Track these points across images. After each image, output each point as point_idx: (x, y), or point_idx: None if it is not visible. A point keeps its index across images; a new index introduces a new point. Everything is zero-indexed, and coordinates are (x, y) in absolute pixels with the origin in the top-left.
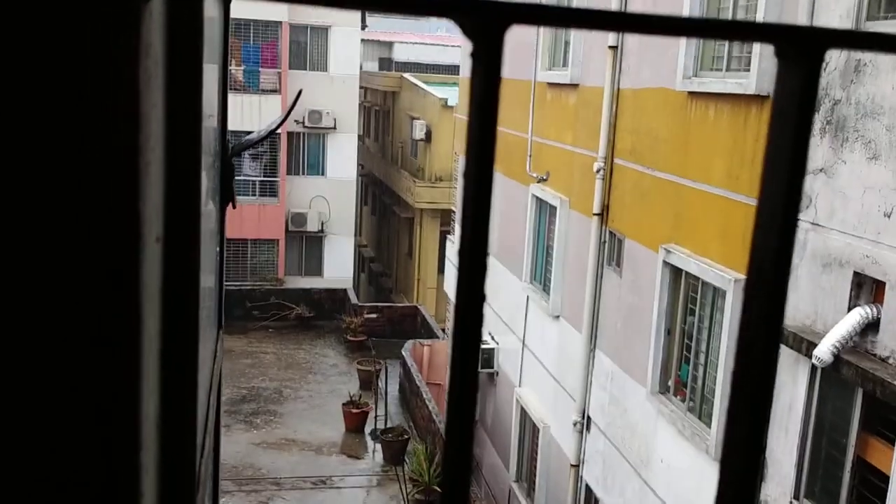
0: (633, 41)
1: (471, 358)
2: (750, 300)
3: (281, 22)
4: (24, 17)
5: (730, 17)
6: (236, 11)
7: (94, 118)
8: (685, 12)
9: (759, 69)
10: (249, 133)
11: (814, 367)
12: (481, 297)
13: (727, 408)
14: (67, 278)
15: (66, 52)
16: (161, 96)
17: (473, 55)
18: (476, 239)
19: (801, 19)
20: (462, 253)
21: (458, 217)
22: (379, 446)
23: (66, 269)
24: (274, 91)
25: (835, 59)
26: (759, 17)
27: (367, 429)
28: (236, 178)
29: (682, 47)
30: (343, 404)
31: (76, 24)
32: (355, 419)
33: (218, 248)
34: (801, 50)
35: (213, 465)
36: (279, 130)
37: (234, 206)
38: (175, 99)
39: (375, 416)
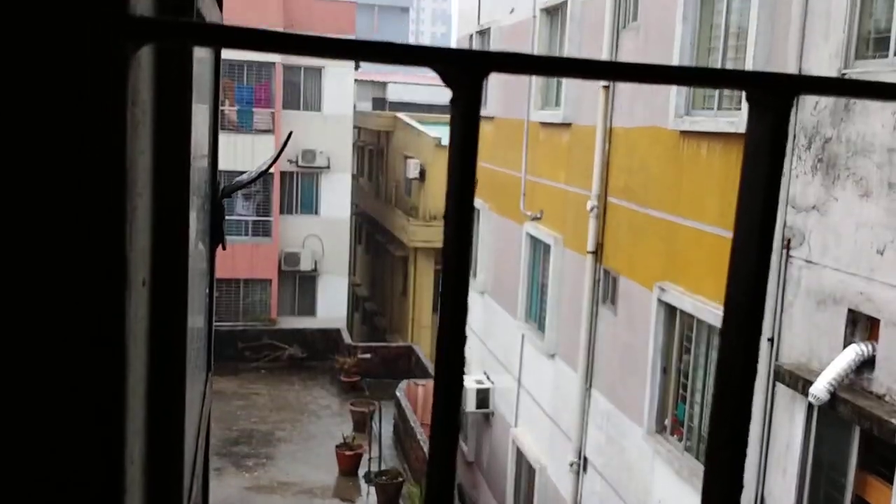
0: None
1: (453, 403)
2: (725, 343)
3: (274, 63)
4: (13, 63)
5: (720, 54)
6: (229, 53)
7: (80, 164)
8: (675, 52)
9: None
10: (243, 173)
11: (810, 406)
12: (462, 336)
13: (708, 435)
14: (53, 320)
15: (54, 100)
16: (149, 142)
17: (452, 102)
18: (457, 282)
19: (791, 58)
20: (444, 297)
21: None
22: (373, 489)
23: (52, 310)
24: (268, 131)
25: (824, 97)
26: (749, 55)
27: (361, 471)
28: (229, 217)
29: (674, 86)
30: (336, 446)
31: (64, 73)
32: (349, 462)
33: (207, 290)
34: (771, 96)
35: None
36: (272, 170)
37: (223, 248)
38: (163, 144)
39: (369, 459)
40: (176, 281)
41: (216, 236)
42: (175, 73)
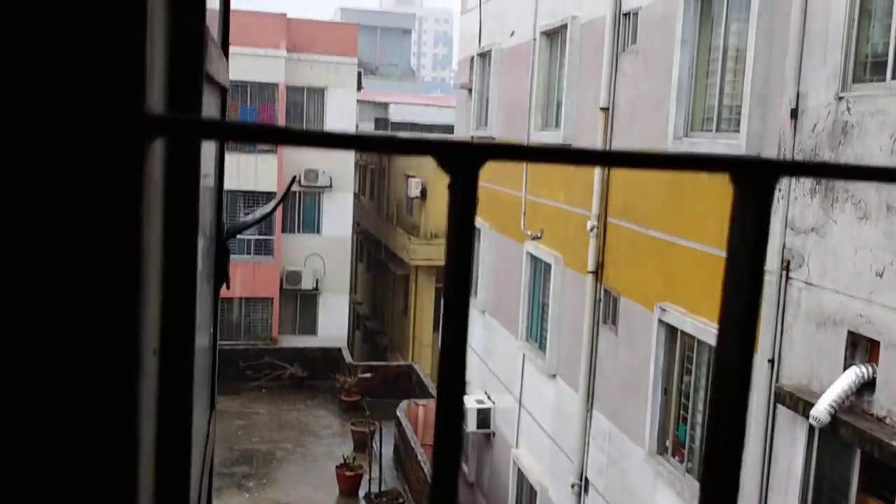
0: (624, 102)
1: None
2: (714, 414)
3: (278, 84)
4: (34, 152)
5: (718, 77)
6: (233, 74)
7: (96, 249)
8: (674, 75)
9: (748, 130)
10: (247, 192)
11: (811, 428)
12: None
13: (703, 454)
14: (67, 397)
15: (71, 193)
16: (160, 218)
17: (450, 187)
18: (454, 362)
19: (789, 81)
20: (440, 377)
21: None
22: None
23: (68, 389)
24: (270, 151)
25: (822, 120)
26: (748, 78)
27: (362, 492)
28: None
29: (673, 108)
30: (337, 467)
31: (82, 168)
32: (349, 482)
33: (212, 330)
34: (754, 179)
35: None
36: (274, 189)
37: (227, 287)
38: (173, 216)
39: (370, 479)
40: (185, 344)
41: (220, 277)
42: (185, 163)
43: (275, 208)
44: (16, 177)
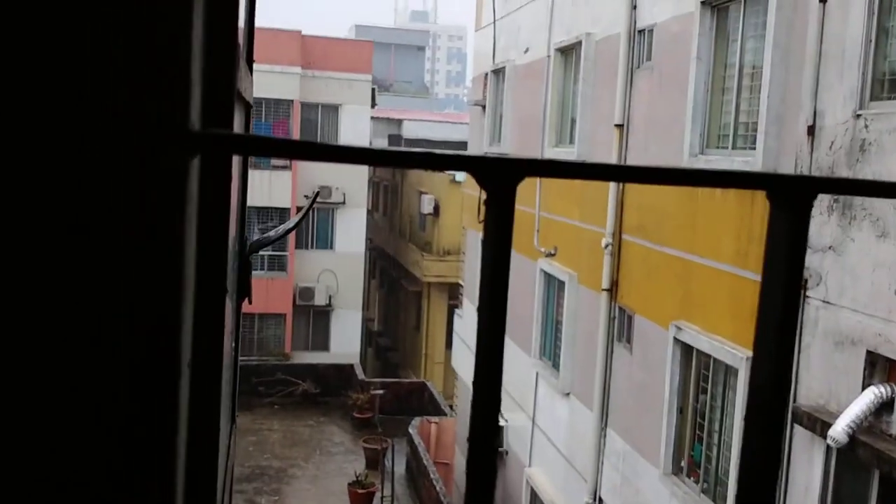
0: (639, 119)
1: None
2: (746, 447)
3: (292, 100)
4: (85, 169)
5: (734, 94)
6: None
7: (140, 265)
8: (690, 92)
9: (764, 147)
10: (261, 208)
11: (829, 448)
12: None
13: (737, 478)
14: (110, 407)
15: (118, 209)
16: (194, 235)
17: (487, 203)
18: (491, 372)
19: (805, 98)
20: (475, 394)
21: (464, 299)
22: None
23: (111, 401)
24: (285, 168)
25: (839, 136)
26: (764, 95)
27: None
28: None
29: (688, 125)
30: (349, 484)
31: (129, 183)
32: (361, 500)
33: (234, 344)
34: (791, 196)
35: None
36: (288, 205)
37: (250, 302)
38: (204, 235)
39: (382, 497)
40: (214, 358)
41: (243, 291)
42: (218, 177)
43: (298, 223)
44: (63, 194)
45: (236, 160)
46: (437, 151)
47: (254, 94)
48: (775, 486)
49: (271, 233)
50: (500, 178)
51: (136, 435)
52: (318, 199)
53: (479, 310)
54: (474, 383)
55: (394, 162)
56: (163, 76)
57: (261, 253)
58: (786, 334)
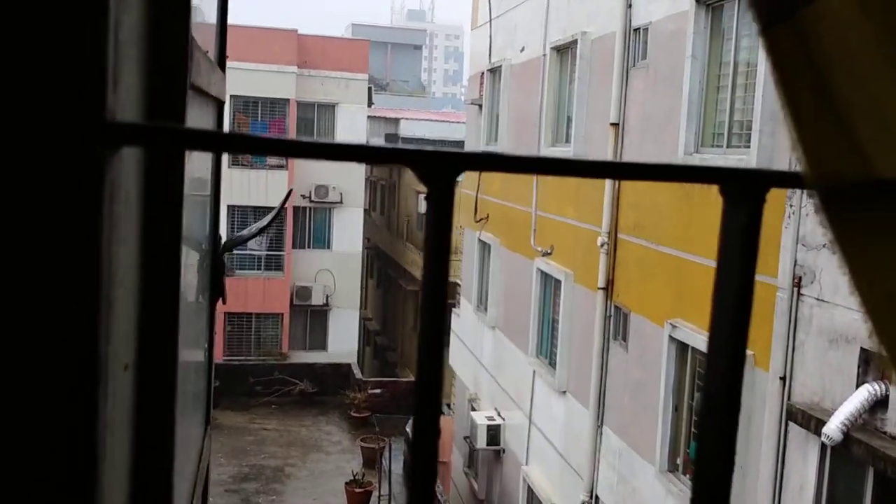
0: (634, 118)
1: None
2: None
3: (289, 99)
4: None
5: (729, 92)
6: (244, 89)
7: (53, 265)
8: (685, 90)
9: (759, 145)
10: (257, 208)
11: (824, 446)
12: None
13: (694, 471)
14: (21, 418)
15: (29, 203)
16: (135, 227)
17: (427, 198)
18: (430, 370)
19: None
20: (418, 390)
21: (461, 298)
22: None
23: (25, 395)
24: (280, 167)
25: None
26: (759, 93)
27: None
28: (242, 252)
29: (683, 123)
30: (346, 483)
31: (41, 177)
32: (359, 499)
33: (207, 345)
34: (744, 190)
35: None
36: (285, 205)
37: (223, 302)
38: (153, 226)
39: (379, 496)
40: (165, 360)
41: (216, 291)
42: (167, 161)
43: (271, 222)
44: None
45: (200, 156)
46: (372, 144)
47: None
48: (731, 476)
49: (244, 232)
50: (439, 171)
51: (51, 441)
52: (315, 199)
53: (421, 298)
54: (415, 391)
55: (326, 155)
56: (73, 65)
57: (257, 253)
58: (739, 330)
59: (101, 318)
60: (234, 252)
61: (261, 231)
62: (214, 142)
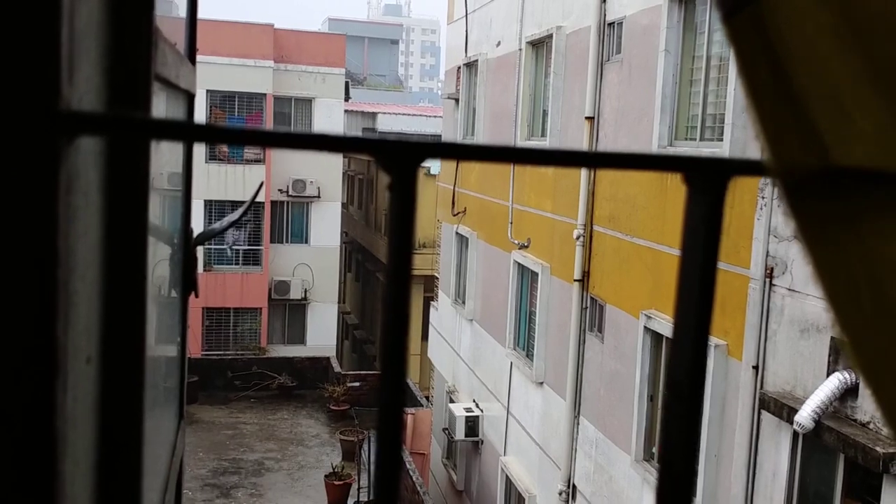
0: (609, 111)
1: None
2: (667, 424)
3: (265, 94)
4: None
5: (702, 86)
6: (221, 84)
7: (4, 251)
8: (658, 84)
9: (731, 138)
10: (234, 202)
11: (795, 434)
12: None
13: (659, 456)
14: None
15: None
16: (96, 219)
17: (389, 188)
18: (393, 368)
19: None
20: (382, 378)
21: (439, 291)
22: None
23: None
24: (258, 161)
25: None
26: (731, 86)
27: (350, 501)
28: (220, 247)
29: (657, 116)
30: (325, 476)
31: None
32: (338, 491)
33: (180, 339)
34: (707, 178)
35: None
36: (262, 200)
37: (196, 296)
38: (116, 218)
39: (359, 488)
40: (131, 353)
41: (188, 285)
42: (130, 152)
43: (243, 214)
44: None
45: (171, 148)
46: (334, 133)
47: (226, 88)
48: (695, 461)
49: (216, 225)
50: (401, 160)
51: (5, 433)
52: (293, 193)
53: (383, 299)
54: (381, 381)
55: (288, 143)
56: (24, 54)
57: (235, 248)
58: (702, 318)
59: (59, 309)
60: (213, 247)
61: (233, 224)
62: (171, 131)
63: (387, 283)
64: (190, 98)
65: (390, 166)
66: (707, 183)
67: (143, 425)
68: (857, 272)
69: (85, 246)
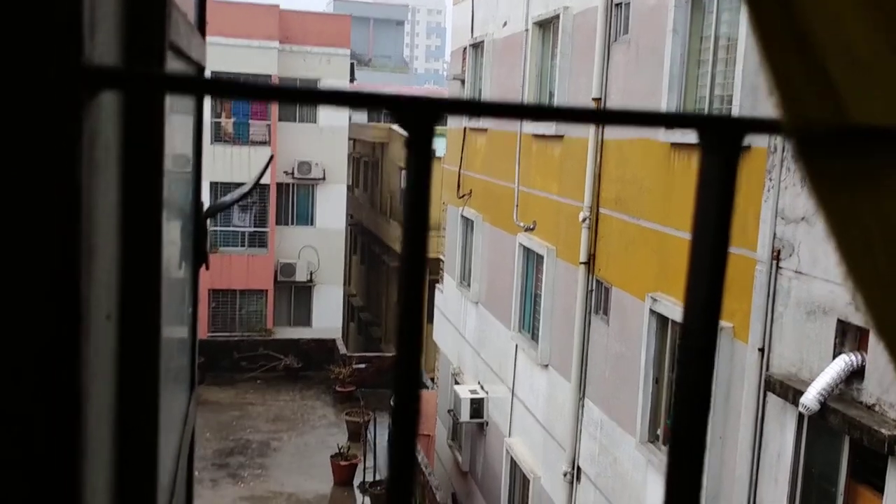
0: (616, 92)
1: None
2: (679, 398)
3: (271, 75)
4: None
5: (710, 66)
6: (226, 65)
7: (32, 212)
8: (666, 64)
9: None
10: (240, 184)
11: (801, 416)
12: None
13: (671, 424)
14: (3, 363)
15: (5, 150)
16: (114, 178)
17: (407, 144)
18: (410, 319)
19: None
20: (399, 331)
21: (444, 274)
22: (368, 499)
23: (2, 353)
24: (263, 143)
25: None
26: (739, 67)
27: (356, 481)
28: (226, 229)
29: (664, 97)
30: (331, 456)
31: (17, 122)
32: (344, 472)
33: (191, 309)
34: (722, 137)
35: None
36: (268, 182)
37: (206, 268)
38: (133, 179)
39: (364, 469)
40: (146, 314)
41: (199, 256)
42: (145, 118)
43: (254, 186)
44: None
45: (182, 121)
46: (348, 90)
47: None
48: (706, 429)
49: (227, 197)
50: (419, 116)
51: (34, 384)
52: (298, 175)
53: (401, 253)
54: (395, 364)
55: (304, 99)
56: (49, 10)
57: (241, 230)
58: (717, 275)
59: (82, 260)
60: (218, 229)
61: (244, 196)
62: (192, 86)
63: (404, 239)
64: (200, 70)
65: (408, 122)
66: (721, 141)
67: (158, 380)
68: (872, 229)
69: (105, 203)
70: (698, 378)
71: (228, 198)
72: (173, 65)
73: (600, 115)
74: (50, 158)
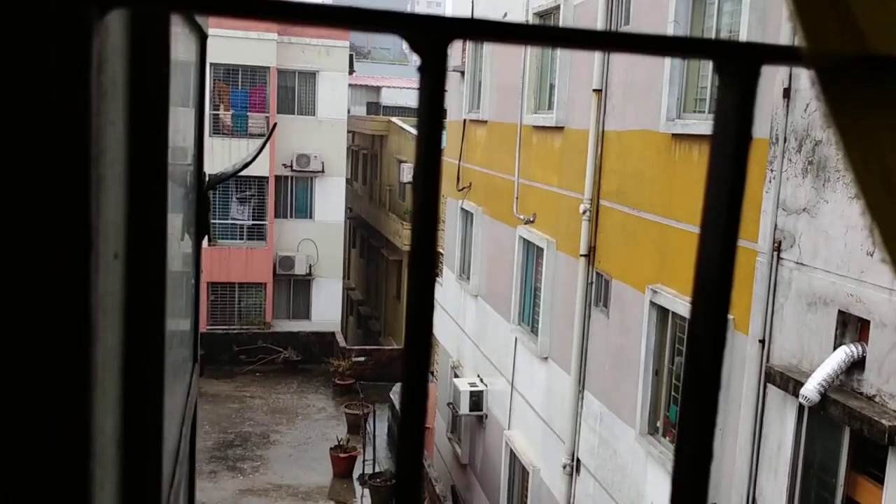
0: (617, 83)
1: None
2: (695, 316)
3: (269, 67)
4: None
5: (710, 64)
6: (225, 57)
7: (41, 132)
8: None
9: None
10: (238, 176)
11: (801, 407)
12: (430, 300)
13: (679, 409)
14: (13, 287)
15: (12, 67)
16: (121, 113)
17: (420, 68)
18: (424, 259)
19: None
20: (411, 268)
21: (443, 267)
22: (367, 491)
23: (12, 277)
24: (262, 135)
25: (815, 99)
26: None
27: (356, 473)
28: (225, 221)
29: (665, 89)
30: (331, 449)
31: (23, 40)
32: (343, 464)
33: (194, 281)
34: (739, 65)
35: (189, 497)
36: (266, 174)
37: (210, 242)
38: (139, 117)
39: (364, 461)
40: (153, 256)
41: (202, 227)
42: (150, 44)
43: (256, 156)
44: None
45: (183, 104)
46: (359, 7)
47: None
48: (715, 416)
49: (228, 168)
50: (431, 36)
51: (43, 314)
52: (297, 168)
53: (413, 188)
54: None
55: (308, 19)
56: None
57: (240, 222)
58: (732, 213)
59: (91, 184)
60: (217, 222)
61: (245, 166)
62: (194, 2)
63: (415, 171)
64: (203, 38)
65: (421, 43)
66: (738, 68)
67: (164, 319)
68: (890, 159)
69: (112, 135)
70: (712, 335)
71: (230, 168)
72: (182, 32)
73: (617, 40)
74: (61, 76)
